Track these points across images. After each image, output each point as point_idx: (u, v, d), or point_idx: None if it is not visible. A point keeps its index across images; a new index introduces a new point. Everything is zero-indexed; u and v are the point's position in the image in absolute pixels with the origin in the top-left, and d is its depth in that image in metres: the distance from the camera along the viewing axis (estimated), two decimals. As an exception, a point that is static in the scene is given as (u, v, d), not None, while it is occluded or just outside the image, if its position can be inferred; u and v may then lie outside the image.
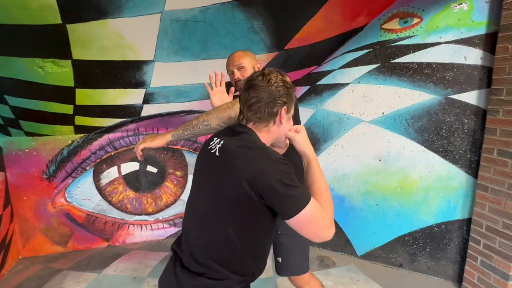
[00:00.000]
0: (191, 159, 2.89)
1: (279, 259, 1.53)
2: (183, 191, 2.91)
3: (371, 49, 2.23)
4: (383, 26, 2.16)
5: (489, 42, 1.86)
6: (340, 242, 2.61)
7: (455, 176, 2.09)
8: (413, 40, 2.08)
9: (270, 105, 0.91)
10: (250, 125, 0.96)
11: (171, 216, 2.92)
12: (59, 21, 1.62)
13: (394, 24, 2.12)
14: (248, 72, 1.48)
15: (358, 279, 2.27)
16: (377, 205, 2.39)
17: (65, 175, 2.57)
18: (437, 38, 2.01)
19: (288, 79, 0.97)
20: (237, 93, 1.51)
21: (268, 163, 0.86)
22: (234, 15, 1.87)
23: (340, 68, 2.37)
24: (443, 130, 2.08)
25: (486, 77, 1.90)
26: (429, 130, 2.12)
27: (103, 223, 2.73)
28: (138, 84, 2.20)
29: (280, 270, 1.56)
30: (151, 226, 2.87)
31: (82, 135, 2.59)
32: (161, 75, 2.17)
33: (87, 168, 2.62)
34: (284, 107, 0.93)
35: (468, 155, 2.03)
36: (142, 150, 1.34)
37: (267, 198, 0.84)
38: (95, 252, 2.69)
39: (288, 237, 1.49)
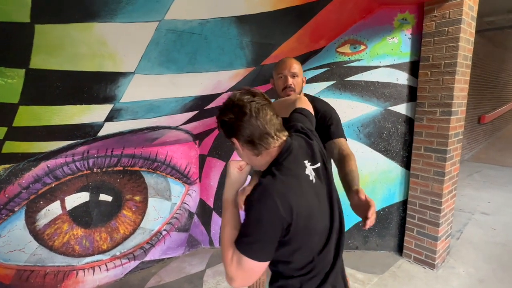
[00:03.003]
0: (151, 180, 2.57)
1: None
2: (143, 217, 2.56)
3: (328, 68, 2.60)
4: (337, 50, 2.57)
5: (413, 68, 2.52)
6: (307, 238, 2.89)
7: (393, 169, 2.69)
8: (361, 62, 2.57)
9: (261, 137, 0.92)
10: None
11: (130, 248, 2.51)
12: (27, 19, 1.26)
13: (346, 49, 2.56)
14: (299, 81, 1.50)
15: (333, 267, 2.60)
16: (337, 200, 2.79)
17: (-19, 223, 1.85)
18: (377, 62, 2.56)
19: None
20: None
21: None
22: (229, 30, 1.87)
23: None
24: (384, 134, 2.65)
25: (412, 93, 2.56)
26: (375, 135, 2.66)
27: (41, 277, 2.10)
28: (107, 99, 1.85)
29: None
30: (106, 266, 2.39)
31: (7, 165, 1.92)
32: (136, 89, 1.90)
33: (16, 209, 1.96)
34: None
35: (401, 153, 2.66)
36: None
37: None
38: (33, 317, 2.04)
39: None
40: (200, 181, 2.92)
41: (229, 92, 2.44)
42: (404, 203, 2.71)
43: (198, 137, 2.84)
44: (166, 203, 2.69)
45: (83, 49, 1.50)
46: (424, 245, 2.56)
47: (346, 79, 2.61)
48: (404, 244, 2.71)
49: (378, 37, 2.52)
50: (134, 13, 1.46)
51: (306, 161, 0.95)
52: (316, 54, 2.59)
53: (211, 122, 2.69)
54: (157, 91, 2.02)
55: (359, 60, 2.58)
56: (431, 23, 2.33)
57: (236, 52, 2.07)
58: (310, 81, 2.65)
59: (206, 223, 2.97)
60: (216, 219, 2.94)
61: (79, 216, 2.23)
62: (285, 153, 0.92)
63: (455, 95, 2.28)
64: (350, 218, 2.80)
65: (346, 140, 1.50)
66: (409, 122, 2.60)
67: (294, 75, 1.50)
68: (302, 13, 2.06)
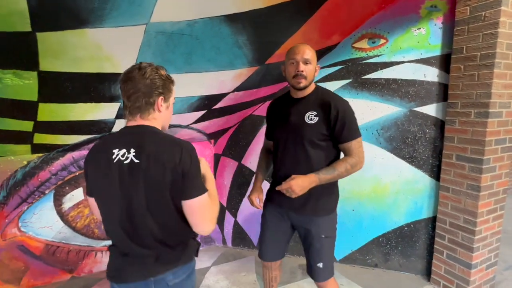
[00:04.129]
0: (165, 175, 2.73)
1: (320, 265, 1.50)
2: (157, 209, 2.73)
3: (343, 66, 2.41)
4: (354, 45, 2.36)
5: (444, 62, 2.16)
6: (320, 248, 2.70)
7: (420, 180, 2.34)
8: (380, 58, 2.31)
9: (147, 95, 1.02)
10: (140, 121, 1.04)
11: (144, 237, 2.71)
12: (29, 28, 1.45)
13: (364, 44, 2.33)
14: (311, 69, 1.44)
15: (341, 282, 2.37)
16: (353, 210, 2.55)
17: (19, 201, 2.23)
18: (400, 57, 2.26)
19: (163, 72, 1.09)
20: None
21: (191, 154, 0.99)
22: (220, 30, 1.87)
23: (316, 82, 2.50)
24: (409, 139, 2.33)
25: (442, 92, 2.19)
26: (397, 139, 2.36)
27: (65, 253, 2.42)
28: (113, 98, 2.04)
29: (319, 276, 1.52)
30: (121, 250, 2.62)
31: (40, 154, 2.29)
32: (139, 89, 2.04)
33: (46, 192, 2.31)
34: (161, 97, 1.06)
35: (431, 161, 2.30)
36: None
37: (183, 180, 0.96)
38: (56, 286, 2.36)
39: (330, 240, 1.53)
40: (214, 179, 2.99)
41: (235, 93, 2.45)
42: (434, 220, 2.32)
43: (213, 137, 2.92)
44: (179, 198, 2.82)
45: (82, 53, 1.68)
46: (455, 272, 2.15)
47: (363, 77, 2.37)
48: (432, 268, 2.32)
49: (401, 29, 2.23)
50: (120, 18, 1.58)
51: (127, 149, 0.99)
52: (330, 51, 2.42)
53: (223, 122, 2.74)
54: (160, 91, 2.15)
55: (378, 55, 2.32)
56: (465, 8, 1.96)
57: (234, 52, 2.07)
58: (323, 80, 2.48)
59: (220, 222, 3.02)
60: (229, 219, 2.97)
61: (98, 203, 2.50)
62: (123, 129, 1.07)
63: (494, 92, 1.88)
64: (368, 232, 2.53)
65: (358, 137, 1.49)
66: (439, 125, 2.23)
67: (306, 62, 1.43)
68: (302, 8, 1.96)
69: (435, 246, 2.29)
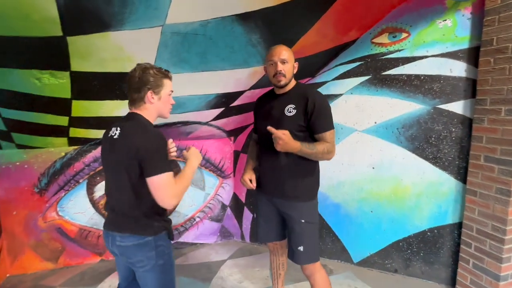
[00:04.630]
0: (186, 170, 2.88)
1: (301, 248, 1.59)
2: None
3: (362, 62, 2.34)
4: (373, 40, 2.28)
5: (472, 56, 2.00)
6: (336, 249, 2.65)
7: (445, 182, 2.18)
8: (402, 53, 2.20)
9: (138, 90, 1.26)
10: (133, 110, 1.31)
11: (166, 228, 2.87)
12: (60, 33, 1.62)
13: (384, 39, 2.24)
14: (289, 67, 1.57)
15: (356, 285, 2.30)
16: (371, 211, 2.46)
17: (57, 188, 2.51)
18: (424, 51, 2.14)
19: (153, 70, 1.28)
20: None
21: (150, 137, 1.20)
22: (233, 29, 1.93)
23: (333, 79, 2.46)
24: (433, 138, 2.19)
25: (470, 88, 2.03)
26: (419, 138, 2.23)
27: (96, 238, 2.66)
28: (136, 95, 2.21)
29: (300, 259, 1.61)
30: (145, 239, 2.81)
31: (75, 147, 2.54)
32: (159, 87, 2.18)
33: (80, 181, 2.56)
34: (150, 91, 1.26)
35: (457, 162, 2.14)
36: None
37: (143, 160, 1.15)
38: (87, 267, 2.61)
39: (311, 226, 1.61)
40: (234, 175, 3.07)
41: (252, 90, 2.50)
42: (459, 226, 2.15)
43: (232, 134, 3.00)
44: (200, 192, 2.95)
45: (106, 54, 1.85)
46: (482, 284, 1.98)
47: (383, 73, 2.28)
48: (457, 277, 2.15)
49: (424, 21, 2.11)
50: (138, 21, 1.71)
51: (116, 128, 1.28)
52: (348, 47, 2.37)
53: (241, 119, 2.80)
54: (178, 89, 2.26)
55: (399, 50, 2.21)
56: (496, -4, 1.80)
57: (248, 50, 2.12)
58: (341, 77, 2.43)
59: (239, 217, 3.09)
60: (247, 215, 3.02)
61: (125, 193, 2.71)
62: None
63: (527, 87, 1.70)
64: (387, 235, 2.42)
65: (332, 129, 1.57)
66: (466, 123, 2.06)
67: (283, 61, 1.55)
68: (314, 4, 1.95)
69: (460, 254, 2.12)
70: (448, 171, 2.17)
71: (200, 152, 2.83)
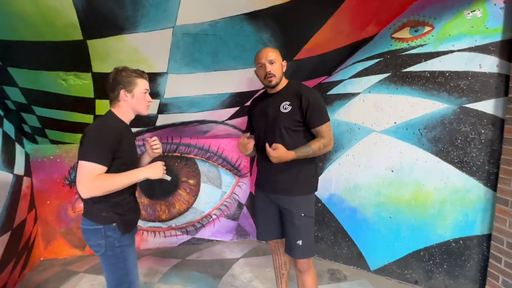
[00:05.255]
0: (203, 167, 2.95)
1: (300, 242, 1.61)
2: (195, 199, 2.96)
3: (381, 59, 2.21)
4: (393, 35, 2.14)
5: (505, 49, 1.80)
6: (352, 255, 2.53)
7: (472, 189, 1.99)
8: (425, 48, 2.05)
9: (113, 90, 1.40)
10: (110, 107, 1.44)
11: (184, 223, 2.97)
12: (80, 37, 1.75)
13: (405, 33, 2.10)
14: (277, 67, 1.63)
15: (370, 294, 2.19)
16: (390, 217, 2.31)
17: (85, 181, 2.71)
18: (449, 46, 1.97)
19: (125, 72, 1.41)
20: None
21: (96, 126, 1.31)
22: (242, 28, 1.93)
23: (351, 77, 2.36)
24: (459, 140, 2.00)
25: (503, 85, 1.83)
26: (444, 140, 2.05)
27: (118, 229, 2.83)
28: (153, 95, 2.29)
29: (297, 253, 1.63)
30: (164, 233, 2.93)
31: (101, 143, 2.73)
32: (174, 86, 2.26)
33: (105, 175, 2.74)
34: (122, 90, 1.37)
35: (486, 167, 1.93)
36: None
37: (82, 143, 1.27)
38: (110, 256, 2.78)
39: (309, 220, 1.64)
40: (250, 175, 3.07)
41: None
42: (488, 238, 1.94)
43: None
44: (216, 190, 3.00)
45: (122, 56, 1.96)
46: (513, 304, 1.77)
47: (404, 70, 2.14)
48: (485, 295, 1.95)
49: (450, 13, 1.94)
50: (150, 23, 1.79)
51: None
52: (366, 43, 2.25)
53: (257, 118, 2.79)
54: (193, 89, 2.33)
55: (422, 45, 2.05)
56: (533, -19, 1.60)
57: (259, 49, 2.11)
58: (358, 75, 2.32)
59: (255, 216, 3.08)
60: (263, 214, 3.01)
61: (146, 188, 2.85)
62: None
63: None
64: (407, 243, 2.27)
65: (327, 121, 1.60)
66: (498, 124, 1.86)
67: (271, 62, 1.62)
68: (324, 0, 1.88)
69: (488, 269, 1.91)
70: (476, 177, 1.97)
71: (217, 151, 2.92)
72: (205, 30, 1.89)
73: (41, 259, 2.73)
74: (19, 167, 2.40)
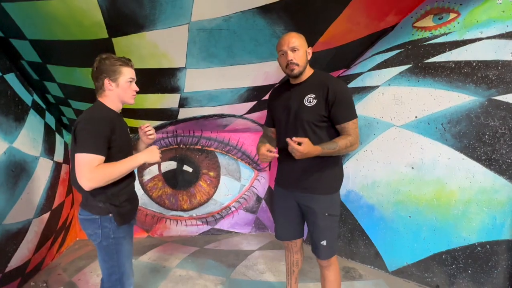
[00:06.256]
0: (223, 160, 3.04)
1: (324, 243, 1.55)
2: (215, 191, 3.07)
3: (402, 49, 2.11)
4: (415, 24, 2.03)
5: (541, 35, 1.62)
6: (370, 254, 2.45)
7: (501, 189, 1.82)
8: (450, 37, 1.91)
9: (97, 79, 1.36)
10: (97, 97, 1.40)
11: (204, 214, 3.09)
12: (106, 35, 1.91)
13: (428, 22, 1.98)
14: (301, 55, 1.48)
15: (385, 295, 2.11)
16: (410, 217, 2.20)
17: (115, 170, 2.93)
18: (477, 33, 1.82)
19: (109, 61, 1.36)
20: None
21: (87, 118, 1.27)
22: (255, 22, 1.96)
23: (369, 70, 2.28)
24: (486, 136, 1.85)
25: (538, 74, 1.65)
26: (469, 136, 1.90)
27: (144, 216, 3.02)
28: (174, 89, 2.43)
29: (322, 254, 1.58)
30: (185, 222, 3.08)
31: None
32: (193, 81, 2.36)
33: (133, 165, 2.95)
34: (106, 79, 1.34)
35: (518, 165, 1.76)
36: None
37: (75, 138, 1.23)
38: (135, 241, 2.96)
39: (333, 219, 1.57)
40: (269, 169, 3.10)
41: (283, 83, 2.49)
42: (519, 243, 1.77)
43: (268, 128, 3.02)
44: (235, 183, 3.07)
45: (144, 52, 2.10)
46: (544, 317, 1.60)
47: (426, 61, 2.01)
48: (514, 305, 1.78)
49: (478, -3, 1.79)
50: (167, 20, 1.90)
51: None
52: (386, 34, 2.16)
53: (275, 113, 2.81)
54: (211, 83, 2.42)
55: (446, 33, 1.92)
56: None
57: (273, 42, 2.12)
58: (377, 67, 2.23)
59: (273, 211, 3.11)
60: (281, 209, 3.02)
61: (169, 178, 3.01)
62: None
63: None
64: (427, 245, 2.14)
65: (354, 118, 1.48)
66: (531, 118, 1.68)
67: (294, 49, 1.47)
68: (338, -10, 1.85)
69: (518, 277, 1.75)
70: (505, 176, 1.80)
71: (237, 145, 2.99)
72: (220, 25, 1.95)
73: (77, 239, 3.01)
74: (59, 155, 2.68)
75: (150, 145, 1.59)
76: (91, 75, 1.39)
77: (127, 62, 1.41)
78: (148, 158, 1.36)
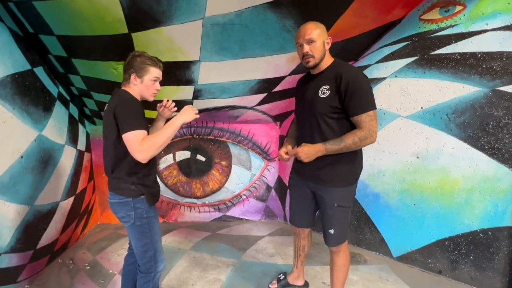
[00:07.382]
0: (235, 150, 3.16)
1: (331, 231, 1.60)
2: (227, 179, 3.20)
3: (409, 42, 2.16)
4: (422, 17, 2.08)
5: (545, 26, 1.65)
6: (375, 241, 2.54)
7: (503, 177, 1.88)
8: (455, 29, 1.96)
9: (126, 72, 1.49)
10: (122, 87, 1.51)
11: (216, 201, 3.24)
12: (126, 30, 2.04)
13: (434, 14, 2.03)
14: (317, 46, 1.45)
15: (388, 278, 2.20)
16: (414, 204, 2.28)
17: (133, 158, 3.11)
18: (483, 25, 1.86)
19: (141, 58, 1.49)
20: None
21: (123, 100, 1.39)
22: (266, 16, 2.06)
23: (377, 62, 2.34)
24: (490, 126, 1.90)
25: (541, 65, 1.69)
26: (473, 126, 1.96)
27: (160, 202, 3.19)
28: (188, 81, 2.56)
29: (330, 241, 1.64)
30: (198, 208, 3.23)
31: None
32: (206, 73, 2.48)
33: (149, 154, 3.11)
34: (133, 74, 1.47)
35: (520, 154, 1.81)
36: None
37: (117, 119, 1.33)
38: (152, 225, 3.17)
39: (343, 209, 1.58)
40: (279, 159, 3.20)
41: (293, 76, 2.59)
42: (520, 229, 1.83)
43: (278, 119, 3.12)
44: (246, 172, 3.20)
45: (161, 46, 2.22)
46: (542, 299, 1.67)
47: (432, 53, 2.06)
48: (513, 289, 1.85)
49: (484, -10, 1.83)
50: (183, 16, 2.02)
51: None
52: (393, 27, 2.21)
53: (285, 104, 2.91)
54: (223, 75, 2.53)
55: (452, 26, 1.97)
56: None
57: (284, 36, 2.22)
58: (385, 59, 2.29)
59: (282, 199, 3.23)
60: (290, 198, 3.14)
61: (183, 167, 3.16)
62: None
63: None
64: (431, 232, 2.22)
65: (370, 110, 1.41)
66: (534, 108, 1.72)
67: (310, 41, 1.45)
68: (346, -16, 1.91)
69: (518, 262, 1.81)
70: (508, 164, 1.85)
71: (247, 135, 3.11)
72: (232, 20, 2.05)
73: (98, 222, 3.22)
74: (81, 144, 2.86)
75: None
76: (123, 68, 1.54)
77: (156, 62, 1.52)
78: (185, 118, 1.40)
